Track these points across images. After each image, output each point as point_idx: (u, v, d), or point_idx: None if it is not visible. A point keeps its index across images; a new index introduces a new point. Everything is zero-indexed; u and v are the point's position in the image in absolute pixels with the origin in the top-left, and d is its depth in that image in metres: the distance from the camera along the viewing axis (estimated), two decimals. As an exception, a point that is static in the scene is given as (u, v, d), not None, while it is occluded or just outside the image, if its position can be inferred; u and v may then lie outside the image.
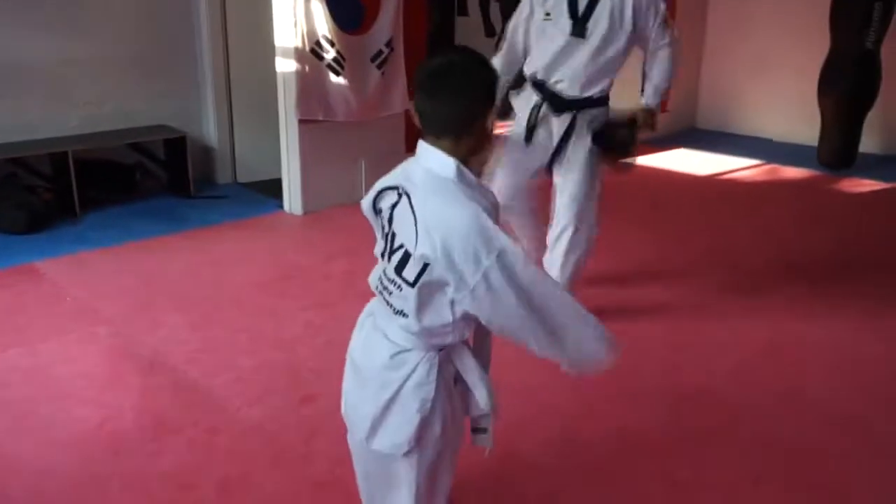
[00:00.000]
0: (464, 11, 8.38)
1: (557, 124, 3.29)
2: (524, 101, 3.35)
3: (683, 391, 3.10)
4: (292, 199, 5.26)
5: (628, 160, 3.33)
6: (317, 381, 3.10)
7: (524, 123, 3.31)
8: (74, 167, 4.91)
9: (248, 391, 3.03)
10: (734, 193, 6.11)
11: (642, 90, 3.38)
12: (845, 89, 6.32)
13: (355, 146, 5.28)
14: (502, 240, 1.53)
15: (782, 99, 7.58)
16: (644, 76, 3.38)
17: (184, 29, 5.64)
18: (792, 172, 6.59)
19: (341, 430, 2.67)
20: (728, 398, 3.05)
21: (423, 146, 1.64)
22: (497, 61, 3.28)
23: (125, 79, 5.44)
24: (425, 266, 1.56)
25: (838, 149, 6.55)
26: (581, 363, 1.73)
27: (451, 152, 1.60)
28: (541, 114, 3.27)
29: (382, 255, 1.70)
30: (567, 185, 3.38)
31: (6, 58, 4.90)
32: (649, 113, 3.30)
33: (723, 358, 3.37)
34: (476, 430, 1.90)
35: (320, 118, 5.04)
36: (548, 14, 3.19)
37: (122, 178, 5.48)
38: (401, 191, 1.62)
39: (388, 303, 1.69)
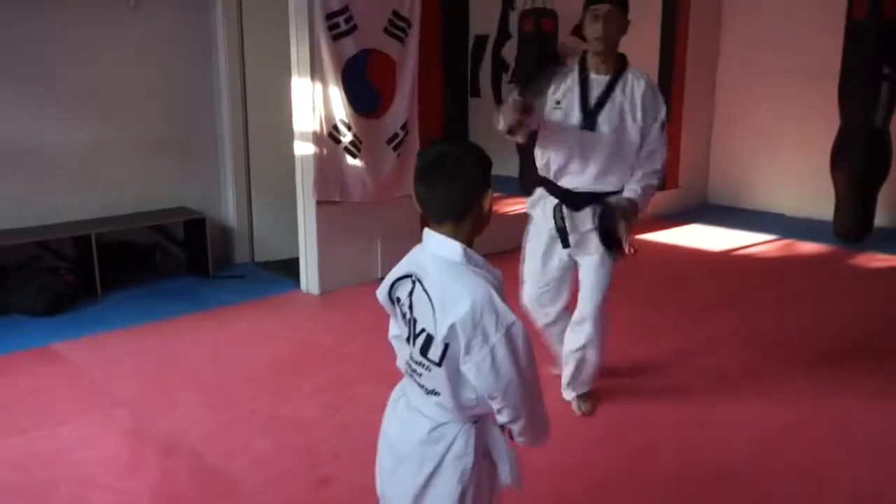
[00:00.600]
0: (476, 93, 8.61)
1: (580, 218, 3.28)
2: (540, 209, 3.37)
3: (703, 471, 3.06)
4: (309, 278, 5.32)
5: (623, 252, 3.19)
6: (334, 463, 3.08)
7: (550, 226, 3.32)
8: (97, 249, 5.00)
9: (264, 473, 3.01)
10: (749, 269, 6.11)
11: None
12: (857, 166, 6.40)
13: (371, 226, 5.36)
14: (510, 317, 1.62)
15: (794, 173, 7.66)
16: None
17: (205, 113, 5.81)
18: (807, 247, 6.61)
19: (359, 514, 2.66)
20: (748, 478, 3.00)
21: (427, 233, 1.73)
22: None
23: (146, 161, 5.59)
24: (447, 345, 1.63)
25: (853, 223, 6.57)
26: (531, 438, 1.81)
27: (453, 236, 1.69)
28: (564, 213, 3.28)
29: (407, 340, 1.76)
30: (588, 274, 3.35)
31: (31, 143, 5.06)
32: (634, 207, 3.15)
33: (742, 437, 3.33)
34: None
35: (337, 199, 5.14)
36: (558, 103, 3.20)
37: (142, 258, 5.57)
38: (414, 278, 1.71)
39: (419, 384, 1.75)
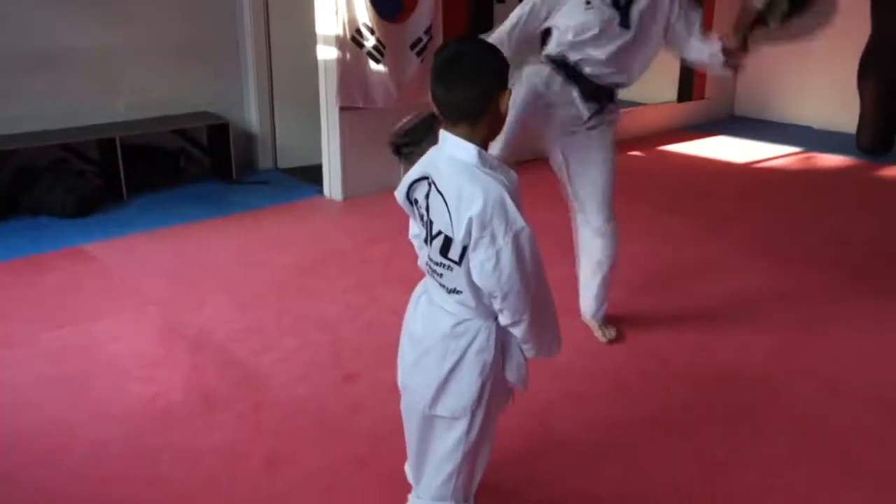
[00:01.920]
0: (501, -2, 8.37)
1: (584, 107, 3.14)
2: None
3: (717, 373, 3.14)
4: (332, 184, 5.36)
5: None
6: (358, 360, 3.19)
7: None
8: (121, 153, 5.05)
9: (291, 370, 3.13)
10: (773, 181, 6.08)
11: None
12: (885, 75, 6.25)
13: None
14: (520, 222, 1.63)
15: (823, 85, 7.51)
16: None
17: (227, 18, 5.75)
18: (831, 160, 6.54)
19: (382, 407, 2.78)
20: (762, 380, 3.08)
21: (443, 134, 1.72)
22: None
23: (169, 67, 5.57)
24: (465, 246, 1.66)
25: (878, 135, 6.48)
26: (537, 348, 1.83)
27: (469, 137, 1.68)
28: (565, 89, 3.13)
29: (425, 241, 1.79)
30: (595, 178, 3.25)
31: (56, 47, 5.05)
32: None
33: (758, 342, 3.39)
34: None
35: (360, 105, 5.12)
36: (588, 2, 3.06)
37: (166, 163, 5.62)
38: (430, 180, 1.71)
39: (441, 284, 1.78)
